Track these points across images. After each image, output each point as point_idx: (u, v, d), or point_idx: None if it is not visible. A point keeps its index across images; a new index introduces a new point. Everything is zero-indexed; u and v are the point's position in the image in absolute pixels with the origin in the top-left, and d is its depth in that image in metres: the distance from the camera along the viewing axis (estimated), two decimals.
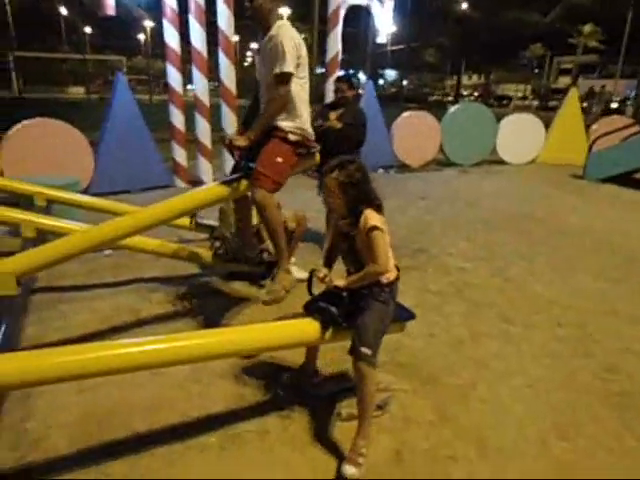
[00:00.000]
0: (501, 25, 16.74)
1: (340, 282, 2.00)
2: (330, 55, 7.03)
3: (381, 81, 55.88)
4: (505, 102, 43.56)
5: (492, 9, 17.14)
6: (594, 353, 2.88)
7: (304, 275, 3.60)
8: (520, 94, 50.28)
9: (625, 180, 8.06)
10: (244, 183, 2.61)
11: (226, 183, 2.61)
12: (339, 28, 6.91)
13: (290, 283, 2.54)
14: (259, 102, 2.73)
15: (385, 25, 7.70)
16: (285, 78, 2.34)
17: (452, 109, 9.26)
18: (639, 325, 3.26)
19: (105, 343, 1.75)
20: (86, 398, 2.24)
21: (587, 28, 44.95)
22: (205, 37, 6.20)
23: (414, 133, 8.70)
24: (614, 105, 34.78)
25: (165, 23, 6.13)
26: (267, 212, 2.46)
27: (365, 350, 1.86)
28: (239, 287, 3.62)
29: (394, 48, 35.64)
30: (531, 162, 9.75)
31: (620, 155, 7.94)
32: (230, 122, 6.45)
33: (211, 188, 2.68)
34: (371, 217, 1.92)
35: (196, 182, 6.77)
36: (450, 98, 38.50)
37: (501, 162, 9.67)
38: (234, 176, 2.62)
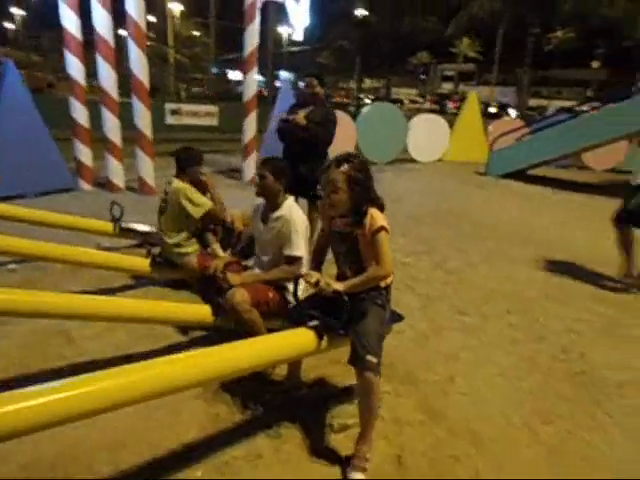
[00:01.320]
0: (398, 31, 17.64)
1: (339, 286, 1.82)
2: (247, 51, 6.76)
3: (278, 83, 56.19)
4: (398, 105, 45.96)
5: (390, 15, 17.98)
6: (545, 336, 3.04)
7: None
8: (410, 98, 53.46)
9: (519, 176, 8.87)
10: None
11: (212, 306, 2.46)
12: (256, 22, 6.67)
13: None
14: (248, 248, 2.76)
15: (300, 21, 7.63)
16: (296, 260, 2.42)
17: (366, 109, 9.49)
18: (569, 307, 3.52)
19: (82, 376, 1.39)
20: (31, 442, 1.84)
21: (465, 40, 49.21)
22: (111, 22, 5.62)
23: None
24: (492, 110, 38.47)
25: (61, 4, 5.44)
26: (249, 318, 2.30)
27: (371, 358, 1.74)
28: (186, 297, 3.28)
29: (294, 49, 35.87)
30: (438, 160, 10.32)
31: (516, 154, 8.70)
32: (143, 118, 5.92)
33: (197, 309, 2.48)
34: (378, 217, 1.82)
35: (103, 184, 6.15)
36: (349, 101, 39.63)
37: (412, 160, 10.11)
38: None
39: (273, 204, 2.53)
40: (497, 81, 46.06)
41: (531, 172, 9.18)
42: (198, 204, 3.09)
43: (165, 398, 2.07)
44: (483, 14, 18.38)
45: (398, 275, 3.84)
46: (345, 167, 1.79)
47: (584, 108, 8.71)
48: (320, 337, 1.85)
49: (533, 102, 43.00)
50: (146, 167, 6.15)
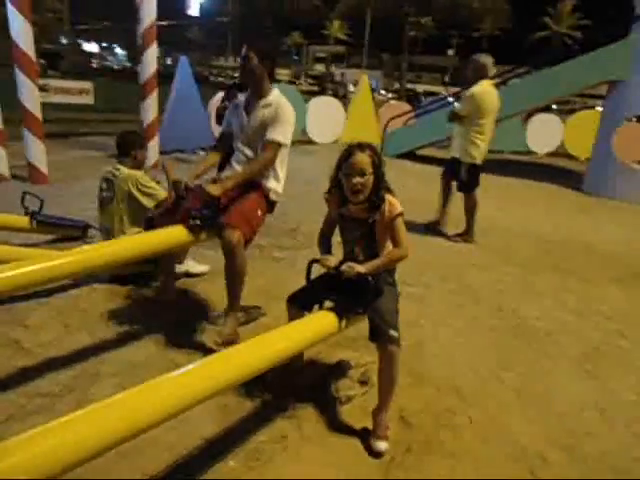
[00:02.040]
0: (280, 11, 17.56)
1: (362, 268, 1.87)
2: (145, 25, 6.25)
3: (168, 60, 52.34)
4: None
5: None
6: (480, 299, 3.46)
7: (203, 269, 3.32)
8: (287, 78, 53.68)
9: (410, 155, 9.61)
10: (204, 232, 2.39)
11: (189, 229, 2.33)
12: None
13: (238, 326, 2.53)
14: (228, 153, 2.66)
15: None
16: (276, 146, 2.41)
17: None
18: (487, 271, 4.03)
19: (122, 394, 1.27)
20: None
21: (336, 23, 50.68)
22: None
23: None
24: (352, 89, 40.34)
25: None
26: (239, 256, 2.33)
27: (393, 333, 1.86)
28: (132, 290, 3.08)
29: (162, 23, 33.65)
30: (335, 142, 10.68)
31: (408, 136, 9.39)
32: (30, 94, 5.22)
33: (170, 232, 2.32)
34: (395, 203, 1.92)
35: None
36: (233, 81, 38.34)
37: (310, 142, 10.33)
38: (196, 223, 2.32)
39: (259, 91, 2.42)
40: (366, 64, 48.50)
41: (419, 152, 10.00)
42: (149, 193, 2.90)
43: None
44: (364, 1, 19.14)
45: (338, 255, 4.07)
46: (368, 152, 1.85)
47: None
48: (340, 318, 1.92)
49: (399, 86, 46.10)
50: (36, 151, 5.45)
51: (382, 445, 1.89)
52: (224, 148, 2.69)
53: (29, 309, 2.72)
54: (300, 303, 2.06)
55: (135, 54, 6.73)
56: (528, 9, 18.69)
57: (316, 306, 2.08)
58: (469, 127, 4.54)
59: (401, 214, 1.92)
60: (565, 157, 12.43)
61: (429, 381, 2.40)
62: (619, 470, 1.91)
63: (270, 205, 2.58)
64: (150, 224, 2.68)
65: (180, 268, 3.20)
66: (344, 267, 1.88)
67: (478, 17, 19.04)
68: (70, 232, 3.60)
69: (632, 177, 7.42)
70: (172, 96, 7.89)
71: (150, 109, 6.66)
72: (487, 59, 4.60)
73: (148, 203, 2.88)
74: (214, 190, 2.30)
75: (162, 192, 2.92)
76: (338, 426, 2.02)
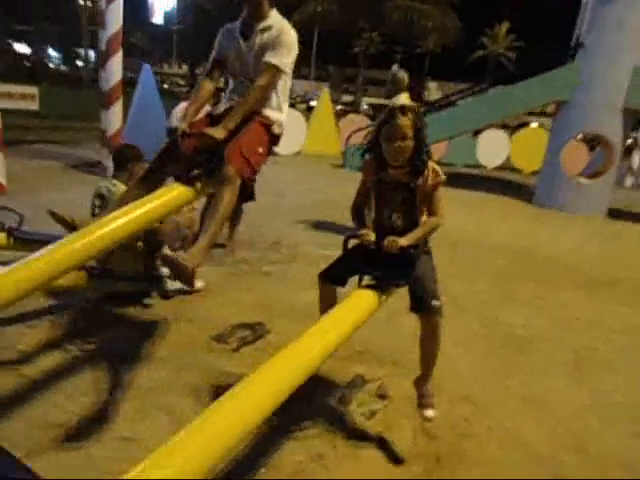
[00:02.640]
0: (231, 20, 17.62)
1: (404, 241, 1.83)
2: (110, 32, 6.04)
3: (79, 62, 49.99)
4: None
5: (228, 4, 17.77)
6: (466, 309, 3.61)
7: (199, 285, 3.26)
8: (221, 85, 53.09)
9: None
10: (206, 182, 2.20)
11: (188, 182, 2.15)
12: (119, 0, 6.01)
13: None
14: (210, 79, 2.40)
15: (162, 3, 7.10)
16: (274, 71, 2.23)
17: None
18: (466, 282, 4.21)
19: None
20: None
21: None
22: None
23: None
24: (314, 104, 40.79)
25: None
26: (231, 194, 2.09)
27: (436, 302, 1.88)
28: (127, 310, 2.96)
29: None
30: (297, 153, 10.74)
31: None
32: None
33: (171, 190, 2.11)
34: (438, 170, 1.89)
35: None
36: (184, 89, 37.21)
37: (272, 153, 10.30)
38: (194, 173, 2.17)
39: (258, 13, 2.25)
40: (314, 76, 49.14)
41: None
42: None
43: (163, 416, 1.98)
44: (318, 13, 19.44)
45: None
46: (410, 115, 1.82)
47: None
48: (383, 292, 1.90)
49: (346, 98, 46.94)
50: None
51: (430, 412, 2.01)
52: (217, 77, 2.44)
53: (19, 333, 2.56)
54: (333, 278, 2.04)
55: (69, 55, 6.45)
56: (468, 29, 19.84)
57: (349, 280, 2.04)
58: None
59: (443, 182, 1.90)
60: (511, 170, 13.18)
61: (440, 392, 2.46)
62: (629, 466, 2.07)
63: (274, 138, 2.38)
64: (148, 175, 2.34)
65: (174, 285, 3.12)
66: (386, 242, 1.84)
67: (425, 34, 19.92)
68: None
69: (579, 190, 8.00)
70: (134, 104, 7.66)
71: (114, 118, 6.43)
72: (403, 73, 4.76)
73: None
74: (218, 134, 2.10)
75: None
76: (369, 441, 2.05)
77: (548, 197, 8.26)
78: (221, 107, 2.42)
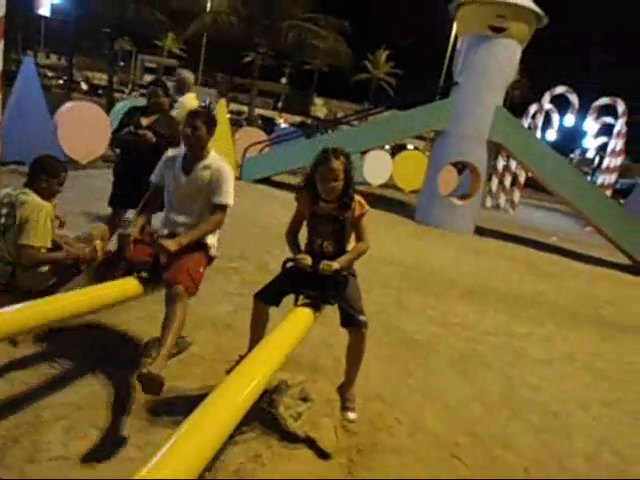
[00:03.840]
0: (122, 17, 16.70)
1: (337, 265, 2.12)
2: None
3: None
4: (100, 92, 41.92)
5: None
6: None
7: None
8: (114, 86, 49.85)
9: (265, 181, 10.08)
10: (153, 284, 2.42)
11: (140, 280, 2.35)
12: None
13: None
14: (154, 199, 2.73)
15: None
16: (224, 208, 2.57)
17: (123, 103, 8.89)
18: (365, 294, 4.62)
19: None
20: None
21: (170, 35, 49.32)
22: None
23: (81, 126, 7.89)
24: None
25: None
26: (182, 309, 2.29)
27: (363, 318, 2.19)
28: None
29: None
30: None
31: (267, 162, 9.86)
32: None
33: (122, 284, 2.29)
34: (363, 203, 2.24)
35: None
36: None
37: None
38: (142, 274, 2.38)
39: (199, 155, 2.54)
40: (200, 82, 48.19)
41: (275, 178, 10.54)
42: (46, 233, 2.62)
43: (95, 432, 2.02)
44: (214, 25, 19.28)
45: (234, 278, 4.24)
46: (342, 159, 2.14)
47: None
48: (317, 310, 2.18)
49: (233, 106, 46.75)
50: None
51: (353, 415, 2.26)
52: (155, 201, 2.72)
53: None
54: (268, 299, 2.27)
55: None
56: (353, 54, 21.42)
57: (284, 299, 2.30)
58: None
59: (367, 212, 2.26)
60: (393, 188, 14.36)
61: (356, 392, 2.76)
62: (507, 445, 2.54)
63: (210, 259, 2.68)
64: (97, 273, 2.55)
65: None
66: (322, 266, 2.12)
67: (316, 54, 20.98)
68: None
69: (453, 210, 9.08)
70: (12, 100, 6.97)
71: None
72: (189, 74, 4.98)
73: (40, 242, 2.58)
74: (170, 245, 2.35)
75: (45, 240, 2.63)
76: (298, 440, 2.25)
77: (427, 215, 9.24)
78: (164, 231, 2.63)
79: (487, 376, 3.34)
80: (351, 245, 2.35)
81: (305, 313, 2.15)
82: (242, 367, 1.64)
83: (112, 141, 3.81)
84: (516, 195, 15.28)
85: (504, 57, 8.49)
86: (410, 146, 30.35)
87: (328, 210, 2.25)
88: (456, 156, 9.16)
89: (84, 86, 40.49)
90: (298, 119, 44.91)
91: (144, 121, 3.69)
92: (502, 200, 15.54)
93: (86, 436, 1.99)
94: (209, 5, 21.37)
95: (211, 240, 2.64)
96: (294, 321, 2.07)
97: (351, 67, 22.91)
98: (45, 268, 2.74)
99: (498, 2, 8.23)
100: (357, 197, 2.25)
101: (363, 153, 13.38)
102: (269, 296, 2.27)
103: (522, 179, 15.15)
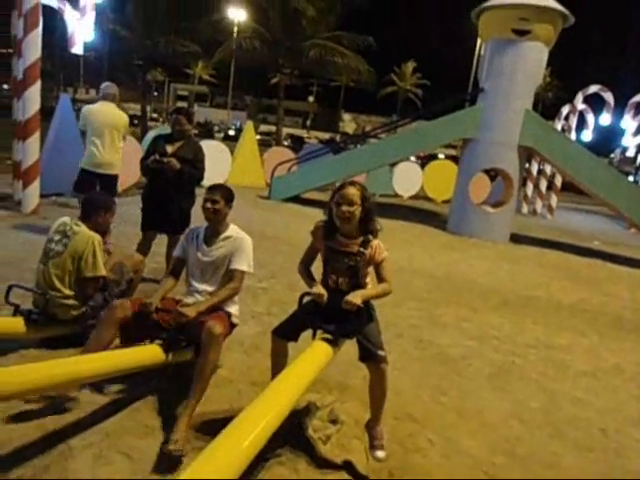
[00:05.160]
0: (154, 49, 17.53)
1: (359, 301, 2.08)
2: (29, 61, 5.79)
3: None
4: (136, 122, 43.60)
5: (144, 33, 17.66)
6: (401, 333, 3.90)
7: None
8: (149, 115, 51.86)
9: (296, 199, 10.15)
10: (174, 351, 2.45)
11: (162, 347, 2.39)
12: (39, 29, 5.81)
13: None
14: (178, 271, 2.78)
15: (83, 34, 6.96)
16: (243, 276, 2.64)
17: (154, 132, 9.21)
18: (398, 307, 4.53)
19: None
20: None
21: (200, 63, 51.03)
22: None
23: None
24: (232, 132, 40.77)
25: None
26: (216, 352, 2.30)
27: (382, 353, 2.13)
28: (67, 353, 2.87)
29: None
30: None
31: (294, 181, 9.94)
32: None
33: (147, 350, 2.38)
34: (382, 248, 2.20)
35: None
36: None
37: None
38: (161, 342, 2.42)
39: (220, 227, 2.66)
40: (231, 106, 49.37)
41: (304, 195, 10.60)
42: (97, 264, 2.81)
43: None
44: (240, 49, 19.90)
45: (269, 298, 4.24)
46: (357, 186, 2.13)
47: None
48: (335, 345, 2.13)
49: (263, 127, 47.58)
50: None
51: (381, 453, 2.16)
52: (179, 273, 2.79)
53: None
54: (286, 334, 2.26)
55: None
56: (379, 67, 21.61)
57: (303, 334, 2.28)
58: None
59: (386, 258, 2.21)
60: (424, 199, 14.17)
61: (386, 411, 2.66)
62: (549, 465, 2.40)
63: (232, 327, 2.68)
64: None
65: None
66: (345, 302, 2.07)
67: (339, 71, 21.25)
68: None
69: (486, 218, 8.86)
70: (51, 135, 7.33)
71: (31, 149, 6.12)
72: (113, 89, 4.99)
73: (91, 272, 2.79)
74: (189, 311, 2.40)
75: (103, 269, 2.87)
76: (327, 464, 2.19)
77: (459, 225, 9.05)
78: (189, 300, 2.63)
79: (526, 391, 3.18)
80: (369, 284, 2.30)
81: (324, 347, 2.13)
82: (263, 397, 1.65)
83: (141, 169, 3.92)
84: (553, 199, 14.79)
85: (530, 60, 8.32)
86: (441, 155, 30.03)
87: (349, 246, 2.21)
88: (487, 163, 8.97)
89: None
90: (327, 136, 45.37)
91: (169, 148, 3.80)
92: (539, 205, 15.07)
93: (114, 463, 2.00)
94: (235, 30, 21.96)
95: (233, 308, 2.68)
96: (312, 356, 2.06)
97: (373, 84, 23.01)
98: (78, 300, 2.84)
99: (520, 5, 8.10)
100: (376, 241, 2.21)
101: (392, 165, 13.33)
102: (287, 332, 2.25)
103: (559, 183, 14.66)
